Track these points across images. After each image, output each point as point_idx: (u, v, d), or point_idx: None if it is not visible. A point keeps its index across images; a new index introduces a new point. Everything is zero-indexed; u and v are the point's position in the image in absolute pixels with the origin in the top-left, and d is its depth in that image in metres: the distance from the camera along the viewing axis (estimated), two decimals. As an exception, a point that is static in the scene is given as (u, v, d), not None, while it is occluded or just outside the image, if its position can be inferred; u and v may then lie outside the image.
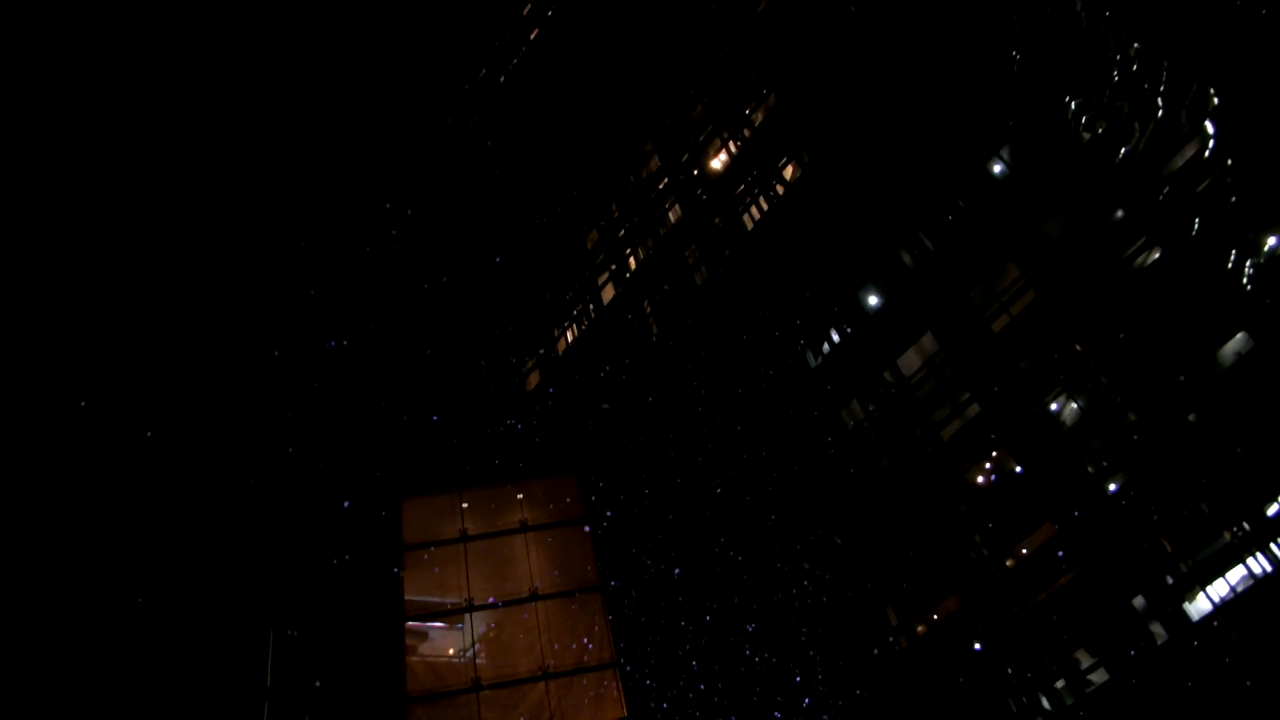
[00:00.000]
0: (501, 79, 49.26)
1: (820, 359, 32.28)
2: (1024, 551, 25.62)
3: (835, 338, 31.75)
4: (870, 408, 29.89)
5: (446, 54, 51.93)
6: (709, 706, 27.68)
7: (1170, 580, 22.51)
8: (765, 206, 34.91)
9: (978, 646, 25.35)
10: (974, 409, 27.33)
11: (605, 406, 32.90)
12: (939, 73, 29.30)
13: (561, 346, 41.44)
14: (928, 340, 29.19)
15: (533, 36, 48.60)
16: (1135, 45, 23.58)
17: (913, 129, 29.83)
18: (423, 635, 31.05)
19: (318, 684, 28.28)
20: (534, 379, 41.42)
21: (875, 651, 26.00)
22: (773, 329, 33.12)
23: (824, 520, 28.56)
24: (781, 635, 27.76)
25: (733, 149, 37.43)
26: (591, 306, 40.68)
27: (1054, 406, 25.76)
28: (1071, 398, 25.33)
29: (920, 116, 29.66)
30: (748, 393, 31.51)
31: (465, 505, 32.05)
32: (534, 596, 30.32)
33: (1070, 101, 25.81)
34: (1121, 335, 23.67)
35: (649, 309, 37.87)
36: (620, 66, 43.17)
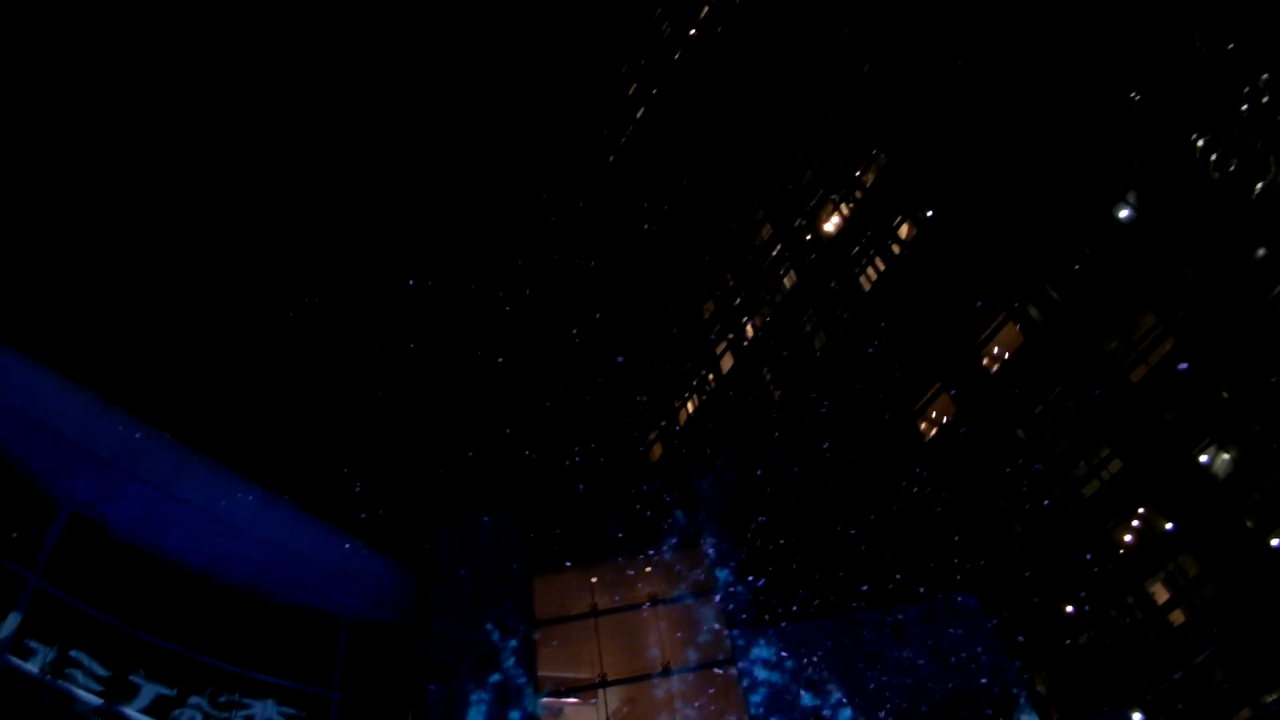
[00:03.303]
0: (611, 158, 50.42)
1: (948, 419, 31.49)
2: (1179, 615, 24.18)
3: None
4: (1005, 470, 28.88)
5: (557, 138, 53.53)
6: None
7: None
8: (882, 266, 34.56)
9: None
10: (1116, 465, 26.16)
11: (730, 476, 32.62)
12: (1055, 119, 28.70)
13: (683, 417, 41.48)
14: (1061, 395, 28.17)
15: (639, 115, 49.71)
16: (1264, 76, 22.72)
17: (1032, 178, 29.21)
18: (558, 711, 30.91)
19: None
20: (657, 450, 41.50)
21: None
22: (895, 390, 32.52)
23: (961, 586, 27.52)
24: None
25: (845, 211, 37.30)
26: (711, 376, 40.71)
27: (1204, 459, 24.38)
28: (1222, 448, 23.96)
29: (1039, 165, 29.04)
30: (873, 456, 30.85)
31: (594, 580, 32.00)
32: (666, 670, 29.91)
33: (1197, 139, 24.91)
34: (1273, 380, 22.39)
35: (769, 376, 37.68)
36: (726, 138, 43.70)
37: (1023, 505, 28.26)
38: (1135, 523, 25.90)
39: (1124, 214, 26.93)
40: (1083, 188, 27.77)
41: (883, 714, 26.36)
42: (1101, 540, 26.00)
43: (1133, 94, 26.67)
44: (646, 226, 43.76)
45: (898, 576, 27.77)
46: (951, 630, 26.62)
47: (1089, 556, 26.00)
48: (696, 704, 29.06)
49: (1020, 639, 26.86)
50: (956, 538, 28.17)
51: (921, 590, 27.54)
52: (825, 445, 31.29)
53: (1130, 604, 24.77)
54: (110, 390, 28.59)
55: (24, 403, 26.80)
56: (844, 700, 27.00)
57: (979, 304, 30.29)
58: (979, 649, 26.12)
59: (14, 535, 25.86)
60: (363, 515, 33.35)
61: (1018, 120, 29.91)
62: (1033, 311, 28.96)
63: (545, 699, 30.19)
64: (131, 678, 27.05)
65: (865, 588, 27.94)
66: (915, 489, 29.53)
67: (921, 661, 26.42)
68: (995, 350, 30.29)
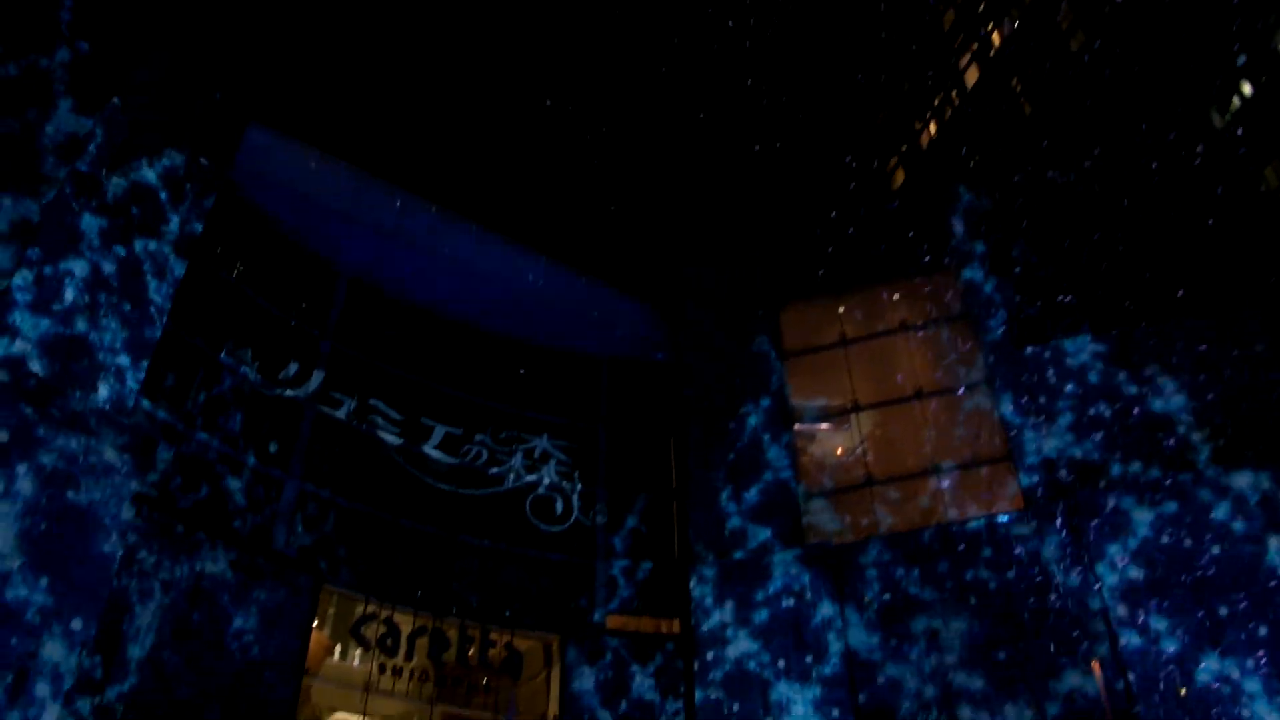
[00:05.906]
0: None
1: (1229, 116, 28.55)
2: None
3: (1247, 90, 27.86)
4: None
5: None
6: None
7: None
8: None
9: None
10: None
11: (980, 196, 31.25)
12: None
13: (925, 140, 39.69)
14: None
15: None
16: None
17: None
18: (811, 436, 32.22)
19: (716, 485, 30.40)
20: (900, 176, 40.18)
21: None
22: (1168, 88, 29.61)
23: (1248, 301, 25.74)
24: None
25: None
26: (954, 93, 38.37)
27: None
28: None
29: None
30: (1144, 166, 28.60)
31: (842, 310, 32.29)
32: (919, 394, 30.32)
33: None
34: None
35: (1019, 88, 35.09)
36: None
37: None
38: None
39: None
40: None
41: (1151, 439, 25.72)
42: None
43: None
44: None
45: (1173, 293, 26.26)
46: (1236, 350, 25.20)
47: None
48: (951, 428, 29.50)
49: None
50: (1241, 246, 26.14)
51: (1201, 309, 25.99)
52: (1084, 158, 29.32)
53: None
54: (369, 163, 30.57)
55: (296, 182, 29.21)
56: (1109, 426, 26.50)
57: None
58: (1268, 367, 24.76)
59: (304, 305, 29.05)
60: (613, 259, 34.73)
61: None
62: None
63: (799, 425, 31.49)
64: (424, 420, 30.56)
65: (1135, 306, 26.67)
66: (1190, 197, 27.36)
67: (1203, 382, 25.33)
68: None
